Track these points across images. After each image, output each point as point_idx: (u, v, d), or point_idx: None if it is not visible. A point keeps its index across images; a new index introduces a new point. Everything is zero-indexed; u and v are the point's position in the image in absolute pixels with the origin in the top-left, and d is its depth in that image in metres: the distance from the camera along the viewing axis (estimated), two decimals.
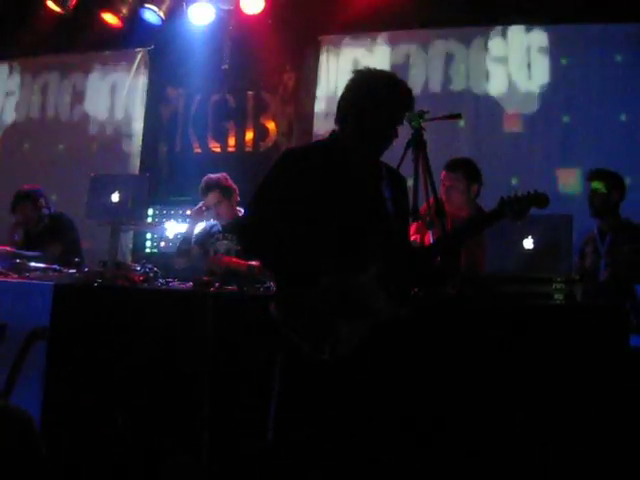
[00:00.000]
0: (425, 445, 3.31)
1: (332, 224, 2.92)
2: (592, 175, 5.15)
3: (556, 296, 3.60)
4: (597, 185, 5.06)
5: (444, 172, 4.75)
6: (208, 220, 5.54)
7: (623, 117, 6.28)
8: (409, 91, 3.08)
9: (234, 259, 4.93)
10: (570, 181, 6.23)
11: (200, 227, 5.63)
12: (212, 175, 5.48)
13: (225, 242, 5.26)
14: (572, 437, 3.29)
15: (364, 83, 3.04)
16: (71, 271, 4.55)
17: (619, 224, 5.02)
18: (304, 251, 2.92)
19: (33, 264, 4.81)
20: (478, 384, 3.40)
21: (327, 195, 2.94)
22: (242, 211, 5.45)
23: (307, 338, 2.83)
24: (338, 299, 2.84)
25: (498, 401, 3.38)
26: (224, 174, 5.50)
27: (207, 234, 5.43)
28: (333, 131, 3.13)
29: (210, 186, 5.36)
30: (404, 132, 3.27)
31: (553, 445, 3.29)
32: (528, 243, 3.74)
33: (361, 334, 2.84)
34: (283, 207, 2.96)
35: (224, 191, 5.35)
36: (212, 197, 5.34)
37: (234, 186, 5.43)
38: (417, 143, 3.51)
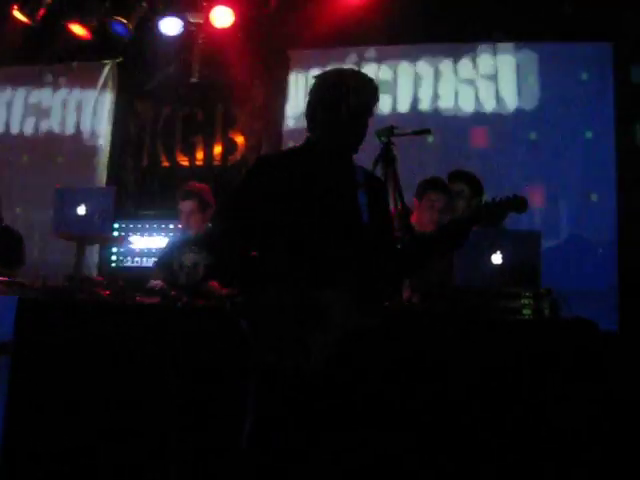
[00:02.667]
0: (400, 455, 3.29)
1: (301, 234, 2.89)
2: (453, 177, 4.98)
3: (524, 311, 3.61)
4: (460, 188, 4.93)
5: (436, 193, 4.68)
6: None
7: (589, 134, 6.35)
8: (365, 79, 3.04)
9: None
10: (536, 198, 6.27)
11: (163, 241, 5.59)
12: (196, 183, 5.44)
13: (192, 255, 5.20)
14: (548, 451, 3.29)
15: (319, 85, 3.04)
16: (36, 285, 4.48)
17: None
18: (269, 263, 2.90)
19: None
20: (448, 395, 3.40)
21: (298, 204, 2.91)
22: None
23: (276, 353, 2.79)
24: (302, 313, 2.80)
25: (468, 415, 3.37)
26: (207, 186, 5.43)
27: (173, 248, 5.39)
28: (308, 138, 3.09)
29: (190, 193, 5.29)
30: (373, 147, 3.25)
31: (528, 460, 3.30)
32: (497, 258, 3.75)
33: (330, 347, 2.80)
34: (252, 215, 2.94)
35: (201, 203, 5.28)
36: (188, 204, 5.26)
37: (212, 202, 5.38)
38: (386, 158, 3.50)
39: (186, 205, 5.28)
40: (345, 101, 2.94)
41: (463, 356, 3.44)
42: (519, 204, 3.16)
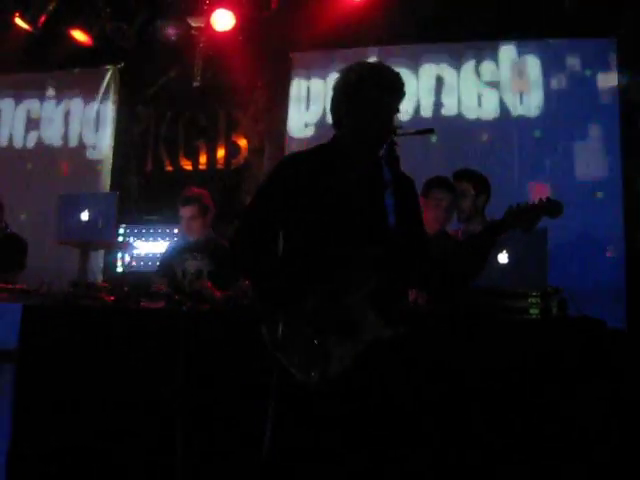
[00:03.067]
0: (420, 466, 3.23)
1: (325, 238, 2.79)
2: (458, 176, 4.89)
3: (531, 310, 3.59)
4: (465, 187, 4.86)
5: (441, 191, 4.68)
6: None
7: (593, 131, 6.31)
8: (395, 77, 2.90)
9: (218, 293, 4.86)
10: (542, 195, 6.22)
11: (166, 246, 5.59)
12: (196, 189, 5.45)
13: (194, 262, 5.21)
14: (555, 450, 3.26)
15: (348, 80, 2.90)
16: (40, 292, 4.46)
17: None
18: (293, 267, 2.81)
19: (1, 285, 4.71)
20: (466, 401, 3.37)
21: (322, 206, 2.81)
22: (212, 232, 5.42)
23: (295, 361, 2.70)
24: (327, 320, 2.72)
25: (479, 416, 3.35)
26: (206, 191, 5.46)
27: (174, 253, 5.39)
28: (335, 136, 2.99)
29: (191, 199, 5.31)
30: None
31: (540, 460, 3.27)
32: (503, 257, 3.73)
33: (351, 357, 2.70)
34: (274, 219, 2.87)
35: (202, 208, 5.31)
36: (189, 210, 5.29)
37: (212, 206, 5.39)
38: (389, 158, 3.46)
39: (187, 211, 5.29)
40: (370, 96, 2.85)
41: (473, 357, 3.41)
42: (553, 209, 2.95)
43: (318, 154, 2.98)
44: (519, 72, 6.58)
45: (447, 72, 6.78)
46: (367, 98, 2.85)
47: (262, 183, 2.98)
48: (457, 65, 6.75)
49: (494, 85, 6.64)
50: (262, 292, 2.96)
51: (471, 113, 6.68)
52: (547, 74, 6.48)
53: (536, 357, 3.36)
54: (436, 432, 3.37)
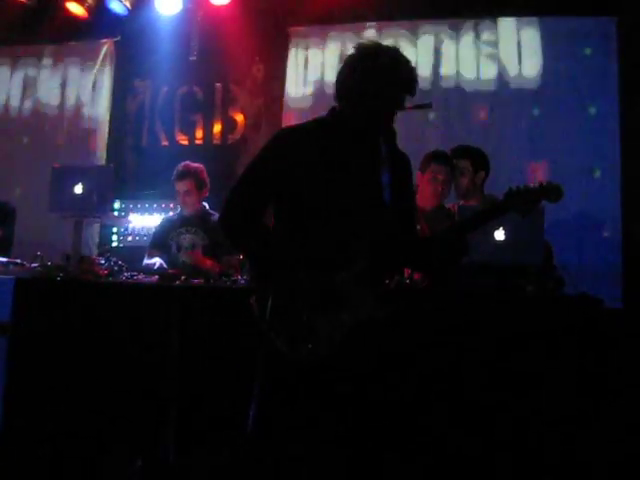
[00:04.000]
0: (405, 444, 3.23)
1: (319, 213, 2.78)
2: (456, 153, 4.90)
3: (528, 287, 3.57)
4: (462, 164, 4.86)
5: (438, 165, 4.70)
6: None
7: (592, 110, 6.28)
8: (413, 71, 2.87)
9: (207, 261, 4.86)
10: (539, 174, 6.21)
11: (160, 220, 5.58)
12: (191, 163, 5.44)
13: (189, 236, 5.22)
14: (549, 427, 3.26)
15: (368, 59, 2.81)
16: (34, 265, 4.44)
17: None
18: (285, 242, 2.80)
19: None
20: (457, 380, 3.36)
21: (317, 181, 2.79)
22: (207, 206, 5.40)
23: (285, 337, 2.69)
24: (317, 296, 2.71)
25: (477, 395, 3.33)
26: (202, 166, 5.46)
27: (169, 228, 5.39)
28: (333, 108, 2.94)
29: (186, 173, 5.33)
30: None
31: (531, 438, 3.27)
32: (499, 234, 3.71)
33: (340, 334, 2.69)
34: (270, 189, 2.84)
35: (197, 182, 5.34)
36: (184, 184, 5.32)
37: (207, 181, 5.40)
38: (386, 133, 3.43)
39: (182, 185, 5.30)
40: (391, 89, 2.81)
41: (467, 333, 3.40)
42: (553, 192, 2.92)
43: (315, 128, 2.94)
44: (517, 48, 6.52)
45: (446, 43, 6.71)
46: (383, 87, 2.79)
47: (256, 155, 2.93)
48: (456, 37, 6.69)
49: (493, 56, 6.58)
50: (253, 264, 2.98)
51: (470, 85, 6.62)
52: (546, 51, 6.43)
53: (532, 334, 3.34)
54: (426, 411, 3.36)
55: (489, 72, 6.57)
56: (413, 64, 2.86)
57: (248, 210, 2.85)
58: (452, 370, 3.39)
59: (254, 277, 2.97)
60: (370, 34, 6.87)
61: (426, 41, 6.75)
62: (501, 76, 6.53)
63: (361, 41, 2.94)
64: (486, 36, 6.60)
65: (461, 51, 6.66)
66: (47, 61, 7.93)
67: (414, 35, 6.77)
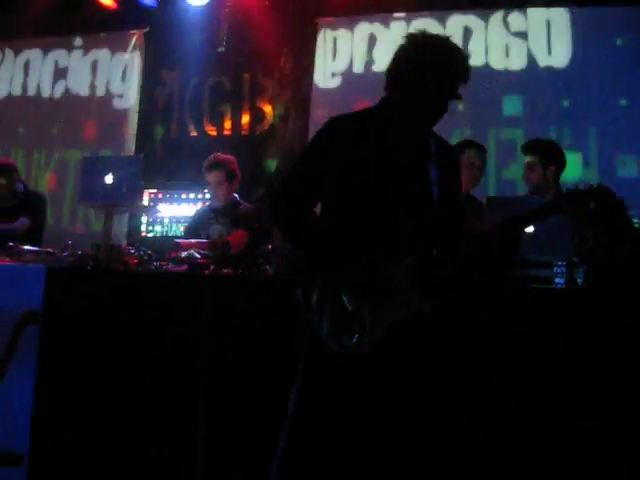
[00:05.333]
0: (446, 442, 3.18)
1: (368, 207, 2.75)
2: (524, 149, 4.94)
3: (557, 280, 3.55)
4: (531, 160, 4.86)
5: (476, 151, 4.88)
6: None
7: (623, 102, 6.22)
8: (466, 58, 2.85)
9: (194, 243, 4.88)
10: (569, 165, 6.16)
11: (194, 211, 5.63)
12: (222, 154, 5.44)
13: (218, 226, 5.24)
14: (582, 422, 3.23)
15: (422, 49, 2.79)
16: (64, 254, 4.48)
17: None
18: (335, 231, 2.77)
19: (27, 247, 4.74)
20: (482, 371, 3.33)
21: (368, 173, 2.75)
22: (237, 197, 5.43)
23: (330, 328, 2.67)
24: (365, 289, 2.67)
25: (512, 389, 3.30)
26: (233, 157, 5.47)
27: (200, 218, 5.43)
28: (384, 99, 2.91)
29: (217, 164, 5.34)
30: None
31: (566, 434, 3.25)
32: (529, 228, 3.68)
33: (385, 327, 2.66)
34: (320, 179, 2.81)
35: (228, 173, 5.34)
36: (216, 175, 5.33)
37: (238, 173, 5.40)
38: None
39: (213, 176, 5.31)
40: (446, 79, 2.79)
41: (496, 325, 3.37)
42: (604, 195, 2.86)
43: (368, 117, 2.91)
44: (547, 38, 6.48)
45: (475, 33, 6.69)
46: (438, 77, 2.77)
47: (309, 142, 2.91)
48: (485, 27, 6.66)
49: (522, 46, 6.55)
50: (301, 252, 2.97)
51: (499, 75, 6.59)
52: (577, 41, 6.41)
53: (560, 327, 3.32)
54: (466, 407, 3.32)
55: (518, 62, 6.53)
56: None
57: (299, 197, 2.83)
58: (483, 365, 3.34)
59: (301, 267, 2.93)
60: (398, 24, 6.87)
61: (454, 31, 6.70)
62: (530, 66, 6.49)
63: (411, 31, 2.90)
64: (515, 26, 6.56)
65: (490, 41, 6.62)
66: (77, 52, 8.02)
67: (442, 25, 6.73)
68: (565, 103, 6.36)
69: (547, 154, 4.82)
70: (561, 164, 4.85)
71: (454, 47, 2.83)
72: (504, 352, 3.33)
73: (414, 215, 2.79)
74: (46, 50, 8.08)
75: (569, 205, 2.86)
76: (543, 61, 6.48)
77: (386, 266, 2.71)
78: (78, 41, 7.98)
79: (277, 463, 2.78)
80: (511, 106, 6.54)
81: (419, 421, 2.76)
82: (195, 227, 5.38)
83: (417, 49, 2.80)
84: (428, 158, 2.85)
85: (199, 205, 5.88)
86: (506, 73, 6.57)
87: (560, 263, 3.59)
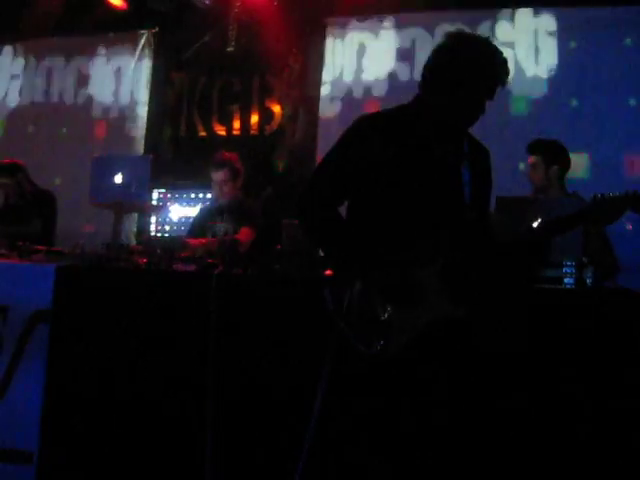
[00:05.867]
0: (470, 447, 3.16)
1: (400, 208, 2.70)
2: (528, 148, 4.96)
3: (566, 280, 3.54)
4: (534, 160, 4.90)
5: None
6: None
7: (632, 101, 6.21)
8: (506, 62, 2.79)
9: (203, 242, 4.91)
10: (578, 166, 6.16)
11: (198, 209, 5.65)
12: (226, 153, 5.48)
13: (223, 224, 5.26)
14: (589, 427, 3.21)
15: (463, 49, 2.75)
16: (74, 253, 4.49)
17: None
18: (365, 233, 2.72)
19: (37, 246, 4.76)
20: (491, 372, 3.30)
21: (399, 173, 2.71)
22: (241, 195, 5.45)
23: (357, 331, 2.64)
24: (395, 293, 2.64)
25: (506, 389, 3.28)
26: (235, 154, 5.49)
27: (205, 216, 5.45)
28: (417, 97, 2.87)
29: (222, 163, 5.38)
30: None
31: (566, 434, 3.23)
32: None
33: (413, 332, 2.63)
34: (349, 178, 2.76)
35: (233, 171, 5.39)
36: (220, 174, 5.36)
37: (241, 169, 5.44)
38: None
39: (218, 175, 5.35)
40: (486, 80, 2.74)
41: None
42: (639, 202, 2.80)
43: (399, 117, 2.85)
44: (555, 37, 6.47)
45: (483, 30, 6.58)
46: (479, 78, 2.73)
47: (337, 140, 2.84)
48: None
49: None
50: (330, 257, 2.91)
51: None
52: (585, 41, 6.38)
53: (570, 327, 3.31)
54: (492, 414, 3.29)
55: (527, 63, 6.52)
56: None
57: (327, 197, 2.78)
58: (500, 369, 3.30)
59: (329, 269, 2.89)
60: (407, 24, 6.88)
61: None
62: (538, 67, 6.48)
63: (452, 30, 2.90)
64: (523, 25, 6.56)
65: (499, 41, 6.55)
66: (85, 53, 8.03)
67: (450, 26, 6.69)
68: (574, 103, 6.34)
69: (550, 153, 4.85)
70: (564, 164, 4.87)
71: (497, 50, 2.79)
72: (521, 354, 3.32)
73: (446, 216, 2.74)
74: (53, 51, 8.11)
75: (603, 213, 2.83)
76: (549, 61, 6.45)
77: (417, 269, 2.67)
78: (86, 41, 8.01)
79: (302, 463, 2.78)
80: (519, 106, 6.51)
81: (446, 426, 2.72)
82: (200, 225, 5.41)
83: (462, 49, 2.76)
84: (461, 159, 2.81)
85: (202, 205, 5.89)
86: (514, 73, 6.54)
87: (569, 263, 3.58)
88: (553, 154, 4.86)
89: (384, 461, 2.70)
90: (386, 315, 2.62)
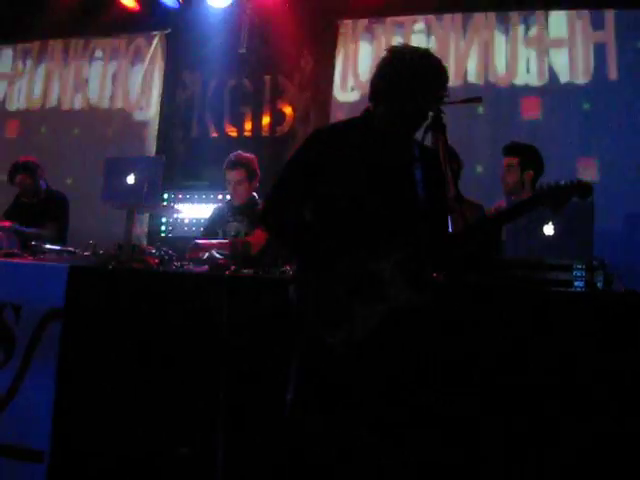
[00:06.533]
0: (435, 434, 3.22)
1: (356, 207, 2.88)
2: (505, 150, 5.00)
3: (576, 283, 3.54)
4: (510, 162, 4.94)
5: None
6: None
7: None
8: (446, 72, 2.94)
9: (215, 243, 4.92)
10: (590, 170, 6.15)
11: (212, 210, 5.66)
12: (243, 153, 5.44)
13: (235, 224, 5.27)
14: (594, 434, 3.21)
15: (402, 62, 2.90)
16: (86, 253, 4.53)
17: None
18: (324, 234, 2.91)
19: (48, 246, 4.80)
20: (494, 373, 3.34)
21: (353, 176, 2.90)
22: (256, 196, 5.45)
23: (322, 322, 2.82)
24: (355, 283, 2.82)
25: (515, 391, 3.31)
26: (254, 156, 5.47)
27: (218, 217, 5.46)
28: (366, 109, 3.05)
29: (239, 162, 5.34)
30: None
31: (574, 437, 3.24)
32: (548, 229, 3.68)
33: (376, 320, 2.80)
34: (307, 186, 2.96)
35: (249, 172, 5.34)
36: (236, 173, 5.32)
37: (258, 172, 5.41)
38: (436, 126, 3.43)
39: (234, 174, 5.31)
40: (425, 91, 2.88)
41: (512, 328, 3.38)
42: (583, 190, 2.97)
43: (350, 127, 3.07)
44: (568, 42, 6.45)
45: (497, 38, 6.68)
46: (418, 89, 2.87)
47: (293, 153, 3.08)
48: (506, 31, 6.65)
49: (543, 51, 6.53)
50: (294, 255, 3.15)
51: (519, 79, 6.57)
52: (598, 45, 6.35)
53: (580, 330, 3.31)
54: (456, 404, 3.33)
55: (539, 67, 6.51)
56: (445, 64, 2.94)
57: (286, 205, 3.01)
58: (489, 364, 3.35)
59: (295, 270, 3.11)
60: (419, 28, 6.88)
61: (474, 37, 6.71)
62: (551, 71, 6.47)
63: (394, 44, 3.05)
64: (536, 31, 6.54)
65: (511, 46, 6.61)
66: (98, 53, 8.09)
67: (462, 30, 6.74)
68: (586, 107, 6.33)
69: (527, 158, 4.90)
70: (539, 170, 4.90)
71: (433, 61, 2.92)
72: (524, 354, 3.34)
73: (401, 213, 2.92)
74: (67, 51, 8.16)
75: (550, 199, 2.96)
76: (564, 66, 6.44)
77: (376, 261, 2.84)
78: (100, 42, 8.06)
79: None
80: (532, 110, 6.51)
81: (405, 413, 2.85)
82: (213, 225, 5.41)
83: (395, 62, 2.91)
84: (412, 161, 2.98)
85: (215, 206, 5.89)
86: (526, 77, 6.55)
87: (579, 266, 3.58)
88: (530, 159, 4.90)
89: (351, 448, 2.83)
90: (346, 305, 2.80)
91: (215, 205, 5.89)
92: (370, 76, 3.03)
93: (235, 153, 5.40)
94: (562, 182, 2.97)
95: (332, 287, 2.82)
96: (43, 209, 6.15)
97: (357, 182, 2.89)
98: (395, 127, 2.96)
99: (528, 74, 6.54)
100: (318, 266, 2.88)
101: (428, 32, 6.89)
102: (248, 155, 5.41)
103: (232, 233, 5.23)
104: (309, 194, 2.98)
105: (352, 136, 3.00)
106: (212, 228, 5.38)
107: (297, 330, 2.95)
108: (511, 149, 4.90)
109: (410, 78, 2.86)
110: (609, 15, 6.32)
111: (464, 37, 6.76)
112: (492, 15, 6.70)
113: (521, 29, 6.60)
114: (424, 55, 2.94)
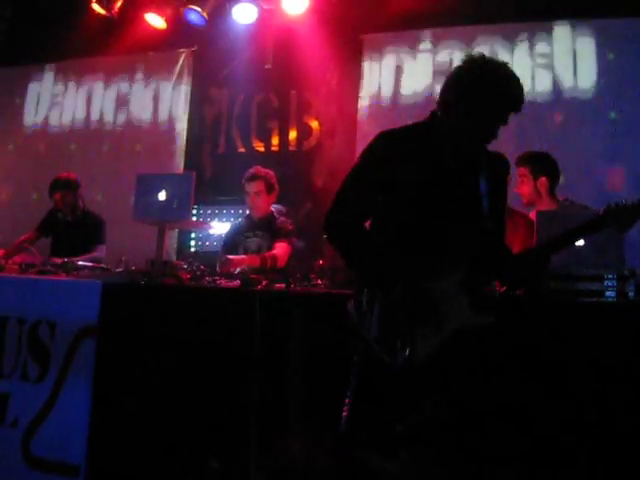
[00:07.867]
0: (494, 456, 3.17)
1: (420, 221, 2.81)
2: (516, 161, 4.87)
3: (607, 293, 3.53)
4: (522, 172, 4.87)
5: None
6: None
7: None
8: (522, 90, 2.84)
9: (246, 259, 4.95)
10: (617, 179, 6.12)
11: (229, 225, 5.70)
12: (261, 168, 5.52)
13: (255, 239, 5.30)
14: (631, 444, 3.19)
15: (482, 73, 2.79)
16: (119, 270, 4.58)
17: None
18: (386, 250, 2.82)
19: (82, 263, 4.86)
20: (553, 390, 3.30)
21: (418, 188, 2.81)
22: (275, 211, 5.49)
23: (382, 343, 2.74)
24: (416, 304, 2.73)
25: (568, 404, 3.27)
26: (272, 171, 5.55)
27: (237, 231, 5.49)
28: (433, 114, 2.95)
29: (257, 176, 5.43)
30: None
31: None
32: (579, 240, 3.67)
33: (437, 342, 2.72)
34: (371, 196, 2.87)
35: (267, 184, 5.43)
36: (255, 185, 5.40)
37: (277, 186, 5.48)
38: None
39: (252, 186, 5.39)
40: (501, 106, 2.80)
41: (550, 341, 3.35)
42: None
43: (416, 133, 2.94)
44: (594, 50, 6.44)
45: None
46: (494, 103, 2.79)
47: (359, 157, 2.95)
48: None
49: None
50: (356, 272, 2.98)
51: (542, 94, 6.56)
52: (623, 53, 6.32)
53: (612, 341, 3.29)
54: (513, 422, 3.29)
55: (564, 77, 6.51)
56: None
57: (352, 212, 2.90)
58: (539, 381, 3.31)
59: (354, 283, 2.98)
60: (443, 40, 6.90)
61: (500, 48, 6.71)
62: (576, 80, 6.46)
63: (471, 53, 2.93)
64: (561, 39, 6.53)
65: (535, 56, 6.62)
66: (125, 71, 8.17)
67: (487, 41, 6.74)
68: (613, 116, 6.30)
69: (537, 165, 4.82)
70: (553, 175, 4.83)
71: (512, 76, 2.82)
72: (558, 365, 3.32)
73: (464, 230, 2.84)
74: (94, 69, 8.27)
75: (619, 220, 2.90)
76: (589, 79, 6.43)
77: (436, 282, 2.76)
78: (127, 60, 8.15)
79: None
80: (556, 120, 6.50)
81: (464, 432, 2.80)
82: (232, 240, 5.45)
83: (475, 74, 2.80)
84: (479, 172, 2.87)
85: (233, 220, 5.94)
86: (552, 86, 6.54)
87: (610, 276, 3.57)
88: (541, 165, 4.82)
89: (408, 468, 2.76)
90: (408, 328, 2.71)
91: (233, 220, 5.93)
92: (440, 87, 2.93)
93: (254, 167, 5.49)
94: (629, 202, 2.90)
95: (393, 307, 2.74)
96: (79, 227, 6.22)
97: (421, 195, 2.80)
98: (464, 137, 2.87)
99: (554, 82, 6.51)
100: (380, 285, 2.79)
101: (452, 43, 6.89)
102: (266, 169, 5.51)
103: (253, 249, 5.27)
104: (374, 200, 2.89)
105: (418, 143, 2.89)
106: (231, 243, 5.41)
107: (355, 348, 2.88)
108: (521, 159, 4.84)
109: (487, 93, 2.77)
110: (634, 23, 6.28)
111: (490, 47, 6.74)
112: (518, 25, 6.70)
113: (546, 39, 6.58)
114: (499, 66, 2.84)
